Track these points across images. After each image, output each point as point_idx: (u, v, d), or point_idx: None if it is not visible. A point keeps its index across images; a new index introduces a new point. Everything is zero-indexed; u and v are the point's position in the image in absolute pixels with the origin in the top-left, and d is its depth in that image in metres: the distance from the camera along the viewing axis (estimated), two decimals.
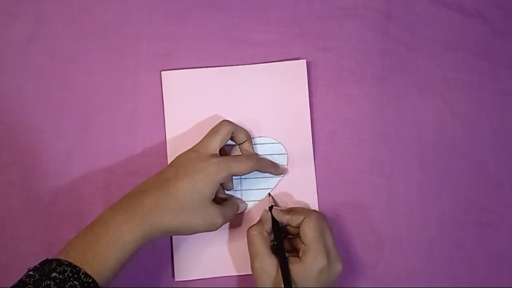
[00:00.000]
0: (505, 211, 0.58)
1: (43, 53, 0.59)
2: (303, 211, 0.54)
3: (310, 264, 0.50)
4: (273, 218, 0.54)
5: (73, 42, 0.59)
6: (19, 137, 0.58)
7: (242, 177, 0.58)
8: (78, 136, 0.58)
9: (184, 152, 0.53)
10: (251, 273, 0.56)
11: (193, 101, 0.59)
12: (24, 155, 0.58)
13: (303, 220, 0.52)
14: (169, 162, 0.58)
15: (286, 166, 0.58)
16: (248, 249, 0.53)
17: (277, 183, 0.58)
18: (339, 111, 0.59)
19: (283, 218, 0.53)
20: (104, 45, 0.59)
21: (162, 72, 0.59)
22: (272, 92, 0.59)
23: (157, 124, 0.59)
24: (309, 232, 0.51)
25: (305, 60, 0.59)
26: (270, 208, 0.55)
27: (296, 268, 0.50)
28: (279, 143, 0.58)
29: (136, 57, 0.59)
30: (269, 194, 0.57)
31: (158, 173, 0.52)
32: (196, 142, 0.55)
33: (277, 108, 0.59)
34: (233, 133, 0.54)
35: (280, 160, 0.58)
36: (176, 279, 0.57)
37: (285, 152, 0.58)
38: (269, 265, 0.50)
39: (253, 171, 0.53)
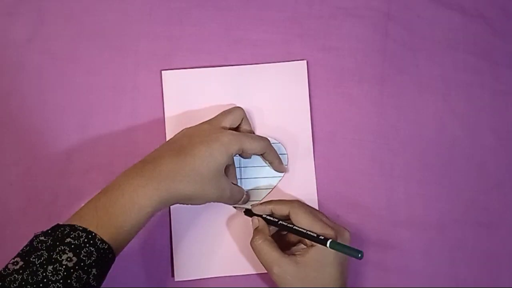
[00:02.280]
0: (505, 211, 0.58)
1: (43, 53, 0.59)
2: (284, 202, 0.54)
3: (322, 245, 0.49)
4: (263, 217, 0.54)
5: (73, 42, 0.59)
6: (19, 137, 0.58)
7: (243, 176, 0.58)
8: (78, 136, 0.58)
9: (193, 126, 0.53)
10: (251, 273, 0.56)
11: (193, 101, 0.59)
12: (24, 155, 0.58)
13: (289, 212, 0.52)
14: None
15: (286, 166, 0.58)
16: (261, 260, 0.52)
17: (277, 183, 0.58)
18: (339, 111, 0.59)
19: (266, 209, 0.54)
20: (104, 45, 0.59)
21: (162, 72, 0.59)
22: (272, 92, 0.59)
23: (157, 124, 0.59)
24: (302, 219, 0.51)
25: (305, 61, 0.59)
26: (247, 212, 0.55)
27: (314, 253, 0.50)
28: (279, 143, 0.58)
29: (136, 57, 0.59)
30: (234, 207, 0.57)
31: (170, 141, 0.52)
32: None
33: (277, 108, 0.58)
34: (242, 119, 0.55)
35: None
36: (176, 279, 0.57)
37: (285, 152, 0.58)
38: (288, 265, 0.50)
39: (262, 153, 0.54)
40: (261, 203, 0.55)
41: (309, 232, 0.50)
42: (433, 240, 0.58)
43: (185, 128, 0.53)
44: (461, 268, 0.58)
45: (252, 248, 0.52)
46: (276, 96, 0.59)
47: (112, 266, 0.57)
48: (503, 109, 0.59)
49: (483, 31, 0.60)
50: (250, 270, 0.57)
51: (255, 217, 0.54)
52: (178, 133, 0.53)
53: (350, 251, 0.47)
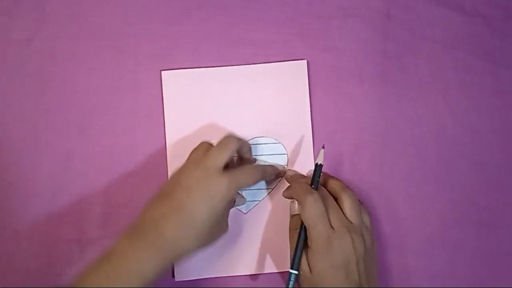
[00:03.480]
0: (505, 211, 0.58)
1: (43, 53, 0.59)
2: (300, 191, 0.52)
3: (316, 250, 0.50)
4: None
5: (73, 42, 0.59)
6: (19, 137, 0.58)
7: None
8: (78, 136, 0.58)
9: (187, 168, 0.51)
10: (251, 273, 0.56)
11: (193, 101, 0.59)
12: (24, 155, 0.58)
13: (340, 196, 0.52)
14: (169, 162, 0.58)
15: (286, 166, 0.58)
16: (296, 197, 0.53)
17: (277, 183, 0.58)
18: (339, 111, 0.59)
19: (289, 195, 0.55)
20: (104, 45, 0.59)
21: (162, 72, 0.59)
22: (272, 92, 0.59)
23: (157, 124, 0.59)
24: (306, 219, 0.50)
25: (305, 61, 0.59)
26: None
27: (310, 257, 0.50)
28: (279, 143, 0.58)
29: (136, 57, 0.59)
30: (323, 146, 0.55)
31: (167, 194, 0.50)
32: (196, 142, 0.55)
33: (277, 108, 0.59)
34: (237, 148, 0.53)
35: (280, 160, 0.58)
36: (176, 279, 0.57)
37: (285, 152, 0.58)
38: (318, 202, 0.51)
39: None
40: (287, 188, 0.56)
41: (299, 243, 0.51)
42: (433, 240, 0.58)
43: (177, 174, 0.51)
44: (461, 268, 0.58)
45: (288, 181, 0.56)
46: (276, 96, 0.59)
47: None
48: (503, 109, 0.59)
49: (483, 31, 0.60)
50: (250, 270, 0.57)
51: (293, 202, 0.56)
52: (172, 180, 0.51)
53: None
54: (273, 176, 0.57)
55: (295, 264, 0.51)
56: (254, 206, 0.58)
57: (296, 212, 0.55)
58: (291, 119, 0.58)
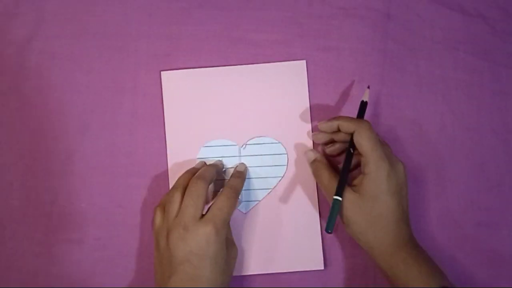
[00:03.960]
0: (505, 211, 0.58)
1: (43, 53, 0.59)
2: (352, 119, 0.53)
3: (375, 172, 0.50)
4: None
5: (73, 42, 0.59)
6: (19, 137, 0.59)
7: None
8: (78, 136, 0.58)
9: (172, 239, 0.50)
10: (251, 273, 0.56)
11: (193, 101, 0.59)
12: (24, 155, 0.58)
13: (354, 130, 0.52)
14: (169, 162, 0.58)
15: (286, 166, 0.58)
16: (322, 187, 0.55)
17: (277, 183, 0.58)
18: (339, 111, 0.59)
19: (333, 125, 0.54)
20: (104, 45, 0.59)
21: (162, 72, 0.59)
22: (272, 92, 0.59)
23: (157, 124, 0.59)
24: (364, 141, 0.51)
25: (305, 61, 0.59)
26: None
27: (367, 181, 0.51)
28: (279, 143, 0.58)
29: (136, 57, 0.59)
30: (368, 87, 0.57)
31: (178, 271, 0.50)
32: (196, 142, 0.55)
33: (277, 108, 0.59)
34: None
35: (280, 160, 0.58)
36: None
37: (285, 152, 0.58)
38: (348, 193, 0.52)
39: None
40: (328, 120, 0.55)
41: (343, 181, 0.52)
42: (433, 240, 0.58)
43: (175, 243, 0.50)
44: (461, 268, 0.57)
45: (315, 176, 0.56)
46: (276, 96, 0.59)
47: (113, 266, 0.58)
48: (503, 109, 0.59)
49: (483, 31, 0.60)
50: (250, 270, 0.57)
51: (311, 150, 0.57)
52: (176, 248, 0.50)
53: (330, 220, 0.50)
54: (242, 184, 0.56)
55: (339, 191, 0.51)
56: (253, 206, 0.58)
57: (313, 158, 0.56)
58: (290, 119, 0.58)
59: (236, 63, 0.59)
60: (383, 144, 0.54)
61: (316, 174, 0.55)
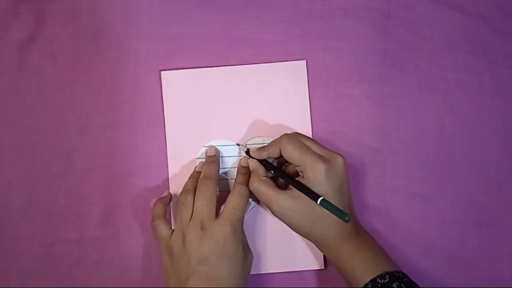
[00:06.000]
0: (505, 211, 0.58)
1: (43, 53, 0.59)
2: (274, 141, 0.54)
3: (313, 176, 0.50)
4: (260, 160, 0.55)
5: (73, 42, 0.59)
6: (19, 137, 0.59)
7: None
8: (78, 136, 0.58)
9: (192, 234, 0.51)
10: (251, 273, 0.56)
11: (193, 101, 0.59)
12: (24, 155, 0.58)
13: (279, 150, 0.53)
14: (169, 162, 0.58)
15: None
16: (261, 200, 0.53)
17: None
18: (339, 111, 0.59)
19: (263, 155, 0.54)
20: (104, 45, 0.59)
21: (161, 72, 0.59)
22: (272, 92, 0.59)
23: (157, 124, 0.59)
24: (292, 154, 0.52)
25: (305, 61, 0.59)
26: (247, 152, 0.56)
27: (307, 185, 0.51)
28: None
29: (136, 57, 0.59)
30: (237, 144, 0.57)
31: (196, 272, 0.50)
32: (196, 142, 0.55)
33: (277, 108, 0.58)
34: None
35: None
36: None
37: None
38: (285, 201, 0.51)
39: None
40: (257, 149, 0.55)
41: (299, 182, 0.51)
42: (433, 241, 0.58)
43: (195, 241, 0.51)
44: (461, 268, 0.57)
45: (251, 190, 0.54)
46: (276, 96, 0.59)
47: (113, 265, 0.58)
48: (503, 109, 0.59)
49: (483, 31, 0.60)
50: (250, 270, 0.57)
51: (247, 158, 0.56)
52: (195, 249, 0.51)
53: (338, 213, 0.48)
54: (249, 177, 0.55)
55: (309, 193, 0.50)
56: (254, 206, 0.58)
57: (245, 165, 0.56)
58: (290, 119, 0.58)
59: (236, 63, 0.59)
60: (312, 143, 0.53)
61: (251, 186, 0.54)
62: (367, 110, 0.59)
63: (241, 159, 0.57)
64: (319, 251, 0.56)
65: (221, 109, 0.58)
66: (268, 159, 0.55)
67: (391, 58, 0.60)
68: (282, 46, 0.59)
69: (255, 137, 0.58)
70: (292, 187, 0.52)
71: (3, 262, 0.58)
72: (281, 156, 0.53)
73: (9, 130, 0.59)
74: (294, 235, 0.56)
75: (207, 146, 0.58)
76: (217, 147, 0.58)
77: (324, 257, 0.57)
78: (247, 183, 0.54)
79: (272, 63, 0.59)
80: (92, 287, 0.57)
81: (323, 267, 0.57)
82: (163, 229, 0.53)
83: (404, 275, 0.50)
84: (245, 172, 0.56)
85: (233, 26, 0.60)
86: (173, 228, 0.54)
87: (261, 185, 0.53)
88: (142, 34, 0.60)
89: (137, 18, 0.60)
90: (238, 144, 0.57)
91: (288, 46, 0.59)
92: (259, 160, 0.55)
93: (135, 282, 0.57)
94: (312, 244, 0.55)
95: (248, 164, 0.56)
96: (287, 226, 0.54)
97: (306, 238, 0.54)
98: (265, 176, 0.54)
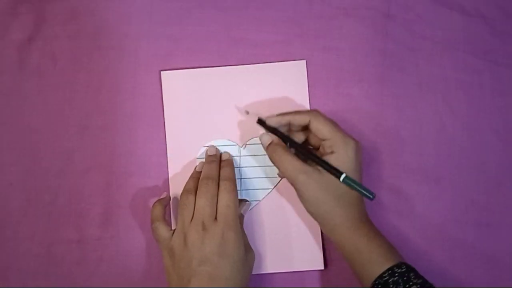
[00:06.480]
0: (505, 211, 0.58)
1: (43, 53, 0.59)
2: (303, 111, 0.54)
3: (344, 151, 0.51)
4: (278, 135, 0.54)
5: (73, 42, 0.59)
6: (19, 137, 0.59)
7: (242, 177, 0.58)
8: (78, 136, 0.58)
9: (194, 234, 0.51)
10: (251, 273, 0.56)
11: (193, 101, 0.59)
12: (24, 155, 0.58)
13: (309, 120, 0.52)
14: (169, 162, 0.58)
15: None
16: (283, 170, 0.52)
17: (278, 183, 0.58)
18: (339, 111, 0.59)
19: (283, 120, 0.53)
20: (104, 45, 0.59)
21: (161, 72, 0.59)
22: (272, 92, 0.59)
23: (157, 124, 0.59)
24: (324, 127, 0.52)
25: (305, 61, 0.59)
26: (260, 121, 0.54)
27: (333, 161, 0.51)
28: None
29: (136, 57, 0.59)
30: (247, 112, 0.56)
31: (198, 272, 0.50)
32: (196, 143, 0.55)
33: (277, 108, 0.58)
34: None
35: None
36: None
37: None
38: (313, 173, 0.51)
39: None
40: (277, 115, 0.54)
41: (324, 160, 0.51)
42: (433, 240, 0.58)
43: (196, 241, 0.51)
44: (461, 268, 0.57)
45: (273, 161, 0.53)
46: (275, 96, 0.59)
47: (113, 265, 0.58)
48: (503, 109, 0.59)
49: (483, 31, 0.60)
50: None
51: (266, 134, 0.54)
52: (196, 249, 0.51)
53: (363, 190, 0.49)
54: (233, 171, 0.55)
55: (329, 168, 0.51)
56: (254, 206, 0.58)
57: (269, 142, 0.54)
58: None
59: (236, 63, 0.59)
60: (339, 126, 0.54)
61: (274, 157, 0.53)
62: (367, 110, 0.59)
63: (223, 153, 0.57)
64: (319, 251, 0.56)
65: (221, 109, 0.58)
66: (280, 129, 0.54)
67: (391, 58, 0.60)
68: (282, 46, 0.59)
69: (255, 137, 0.58)
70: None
71: (3, 262, 0.58)
72: (300, 130, 0.53)
73: (9, 130, 0.59)
74: (294, 235, 0.56)
75: (207, 146, 0.58)
76: (217, 147, 0.58)
77: (324, 257, 0.57)
78: (231, 177, 0.54)
79: (272, 63, 0.59)
80: (92, 287, 0.57)
81: (323, 267, 0.57)
82: (163, 231, 0.53)
83: (415, 269, 0.51)
84: (227, 165, 0.55)
85: (233, 26, 0.60)
86: (173, 229, 0.54)
87: (287, 154, 0.52)
88: (142, 34, 0.60)
89: (137, 18, 0.60)
90: (247, 112, 0.57)
91: (288, 46, 0.59)
92: (278, 136, 0.54)
93: (135, 282, 0.57)
94: (312, 244, 0.55)
95: (228, 157, 0.56)
96: (287, 226, 0.54)
97: (322, 218, 0.52)
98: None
